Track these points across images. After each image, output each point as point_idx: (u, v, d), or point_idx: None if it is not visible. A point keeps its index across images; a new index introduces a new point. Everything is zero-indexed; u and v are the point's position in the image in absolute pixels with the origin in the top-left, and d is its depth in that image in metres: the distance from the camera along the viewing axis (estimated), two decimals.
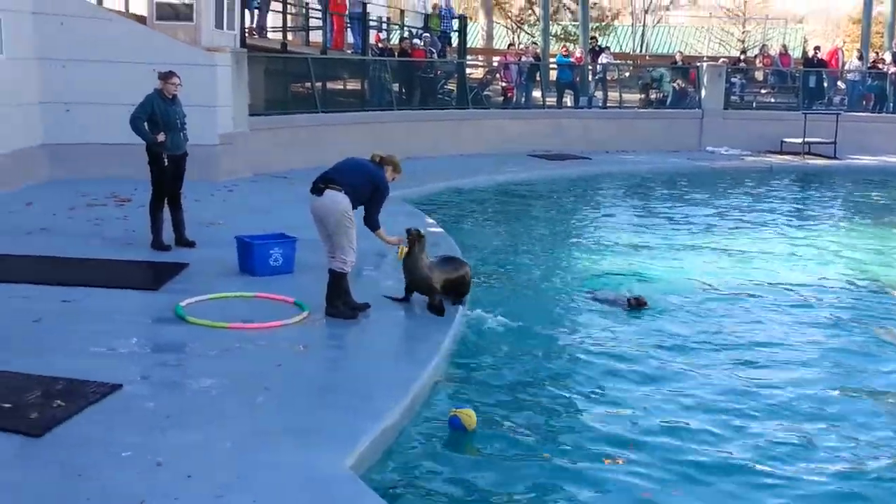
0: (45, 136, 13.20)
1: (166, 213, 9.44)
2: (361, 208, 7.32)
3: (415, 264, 7.72)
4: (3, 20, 12.12)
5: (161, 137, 9.11)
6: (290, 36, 20.04)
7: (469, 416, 5.83)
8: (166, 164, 9.24)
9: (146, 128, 9.08)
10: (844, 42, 29.87)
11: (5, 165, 12.13)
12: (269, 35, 19.18)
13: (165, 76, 9.21)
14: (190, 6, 14.07)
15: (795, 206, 15.95)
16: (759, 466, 5.58)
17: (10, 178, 12.17)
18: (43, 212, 11.00)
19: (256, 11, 18.43)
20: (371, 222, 7.39)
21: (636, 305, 8.70)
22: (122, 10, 16.20)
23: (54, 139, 13.22)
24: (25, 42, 12.75)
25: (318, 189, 7.14)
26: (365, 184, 7.22)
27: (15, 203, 11.40)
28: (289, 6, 20.13)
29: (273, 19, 19.85)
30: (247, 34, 16.92)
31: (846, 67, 24.48)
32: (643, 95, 22.74)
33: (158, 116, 9.08)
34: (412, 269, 7.76)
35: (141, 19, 14.74)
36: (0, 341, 6.54)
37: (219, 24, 14.47)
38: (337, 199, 7.08)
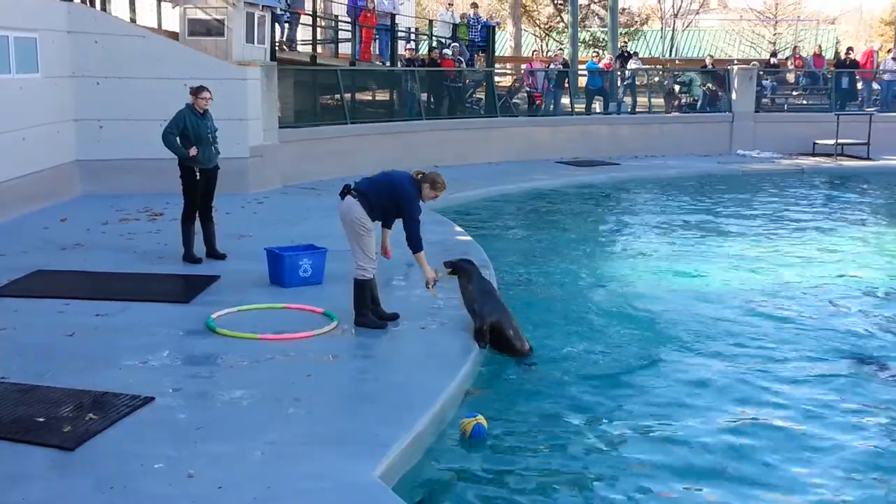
0: (79, 152, 13.40)
1: (197, 226, 9.55)
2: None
3: None
4: (39, 40, 12.34)
5: (193, 152, 9.22)
6: (319, 48, 20.20)
7: (482, 420, 5.88)
8: (198, 177, 9.36)
9: (178, 143, 9.21)
10: (881, 45, 29.49)
11: (40, 182, 12.33)
12: (299, 48, 19.35)
13: (196, 91, 9.32)
14: (221, 22, 14.20)
15: (828, 208, 15.77)
16: None
17: (45, 194, 12.39)
18: (77, 227, 11.17)
19: (286, 25, 18.61)
20: (410, 242, 7.28)
21: None
22: (155, 26, 16.44)
23: (88, 155, 13.41)
24: (60, 61, 12.96)
25: (341, 194, 7.29)
26: (386, 198, 7.22)
27: (49, 219, 11.59)
28: (318, 19, 20.28)
29: (303, 32, 20.01)
30: (277, 48, 17.08)
31: (881, 68, 24.16)
32: (670, 99, 22.56)
33: (190, 131, 9.20)
34: None
35: (173, 35, 14.93)
36: (34, 355, 6.65)
37: (249, 39, 14.62)
38: (350, 206, 7.18)
